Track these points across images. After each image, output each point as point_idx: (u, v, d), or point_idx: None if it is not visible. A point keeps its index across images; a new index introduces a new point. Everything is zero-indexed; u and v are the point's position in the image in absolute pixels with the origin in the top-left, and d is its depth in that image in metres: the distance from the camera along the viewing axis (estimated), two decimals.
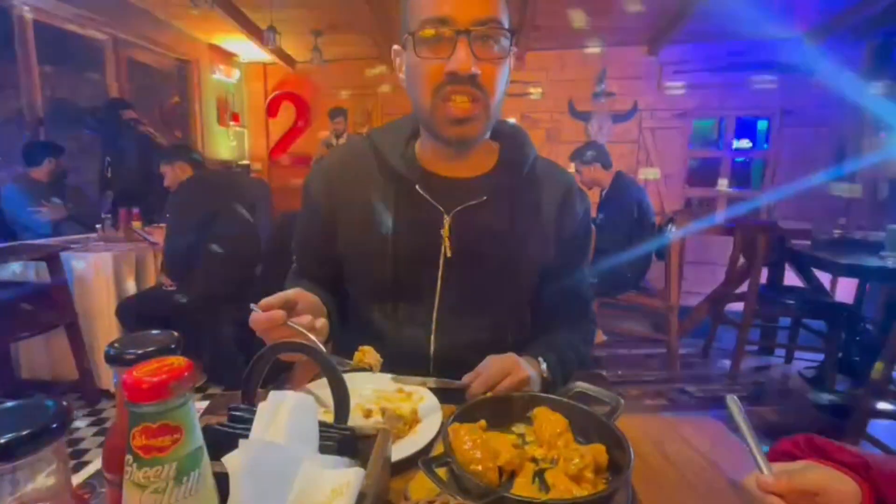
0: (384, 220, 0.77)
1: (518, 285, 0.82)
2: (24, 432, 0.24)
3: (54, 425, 0.25)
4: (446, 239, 0.76)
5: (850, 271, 2.43)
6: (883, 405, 2.15)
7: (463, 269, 0.78)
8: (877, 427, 1.98)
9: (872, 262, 2.28)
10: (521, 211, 0.79)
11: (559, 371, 0.78)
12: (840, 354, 2.62)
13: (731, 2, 3.18)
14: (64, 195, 2.85)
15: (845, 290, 3.12)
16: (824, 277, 2.90)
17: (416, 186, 0.76)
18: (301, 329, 0.59)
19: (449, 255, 0.76)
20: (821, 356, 2.74)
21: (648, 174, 4.24)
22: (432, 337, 0.80)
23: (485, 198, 0.76)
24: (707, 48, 4.03)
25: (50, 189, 2.77)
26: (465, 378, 0.71)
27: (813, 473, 0.48)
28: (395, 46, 0.75)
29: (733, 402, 0.57)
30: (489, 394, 0.67)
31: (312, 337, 0.59)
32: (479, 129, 0.71)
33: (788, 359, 3.02)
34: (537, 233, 0.81)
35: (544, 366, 0.76)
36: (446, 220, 0.76)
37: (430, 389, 0.71)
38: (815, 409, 2.41)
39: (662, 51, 4.08)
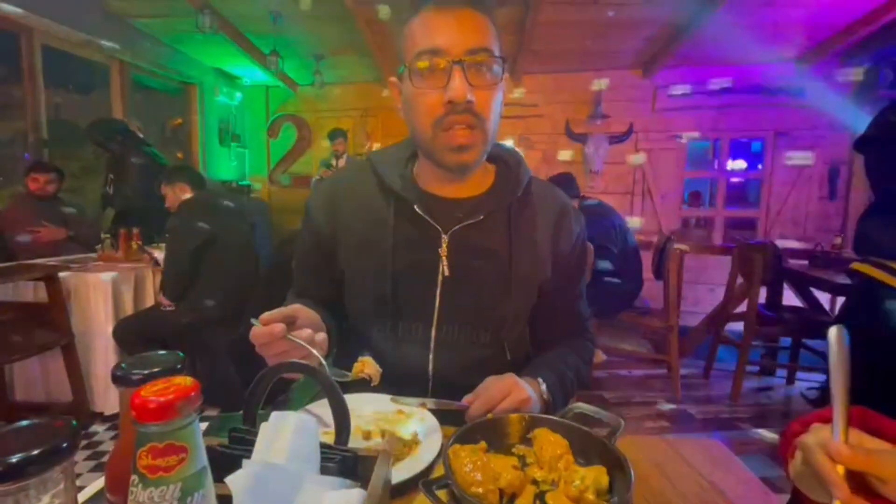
0: (384, 239, 0.79)
1: (515, 304, 0.82)
2: (35, 452, 0.25)
3: (64, 445, 0.26)
4: (444, 258, 0.78)
5: (847, 290, 2.44)
6: None
7: (461, 288, 0.79)
8: None
9: None
10: (516, 230, 0.81)
11: (559, 391, 0.78)
12: None
13: (724, 28, 3.29)
14: (64, 216, 2.86)
15: None
16: (823, 297, 2.90)
17: (415, 206, 0.77)
18: (301, 342, 0.60)
19: (447, 273, 0.78)
20: (823, 377, 2.72)
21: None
22: (431, 356, 0.80)
23: (481, 217, 0.78)
24: (701, 72, 4.13)
25: (49, 209, 2.79)
26: (465, 399, 0.70)
27: (894, 460, 0.41)
28: (392, 79, 0.78)
29: (837, 335, 0.44)
30: (489, 415, 0.67)
31: (314, 351, 0.59)
32: (477, 155, 0.74)
33: (790, 379, 3.00)
34: (533, 252, 0.82)
35: (544, 386, 0.76)
36: (444, 239, 0.78)
37: (430, 411, 0.71)
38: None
39: (657, 74, 4.19)
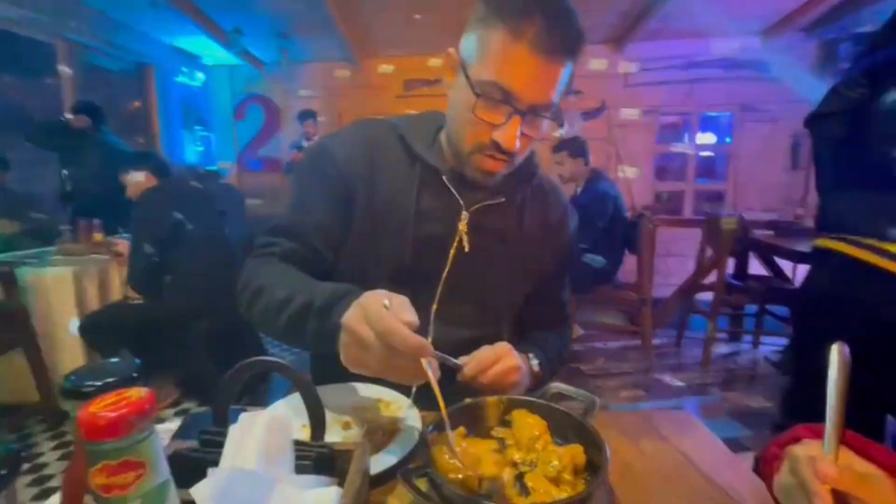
0: (407, 204, 0.78)
1: (517, 287, 0.86)
2: None
3: (3, 472, 0.24)
4: (464, 234, 0.79)
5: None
6: None
7: (472, 265, 0.80)
8: None
9: None
10: (529, 217, 0.84)
11: (547, 369, 0.82)
12: None
13: (692, 2, 3.29)
14: (16, 207, 2.71)
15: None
16: (786, 265, 3.03)
17: (444, 177, 0.77)
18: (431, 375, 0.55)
19: (467, 249, 0.79)
20: (785, 340, 2.86)
21: (629, 172, 4.34)
22: (431, 327, 0.81)
23: (503, 199, 0.80)
24: (670, 46, 4.15)
25: None
26: (461, 359, 0.72)
27: (879, 487, 0.41)
28: (451, 50, 0.73)
29: (839, 352, 0.43)
30: (468, 400, 0.67)
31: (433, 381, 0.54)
32: (499, 177, 0.75)
33: (755, 344, 3.15)
34: (541, 241, 0.86)
35: (535, 361, 0.80)
36: (465, 214, 0.79)
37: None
38: (781, 392, 2.52)
39: (627, 49, 4.18)
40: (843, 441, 0.43)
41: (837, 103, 0.97)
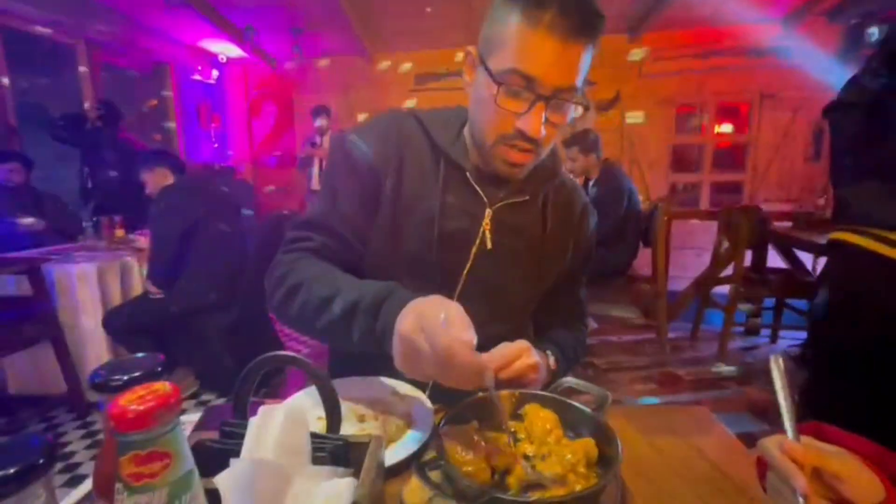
0: (432, 199, 0.77)
1: (538, 284, 0.86)
2: (11, 470, 0.24)
3: (40, 461, 0.25)
4: (487, 231, 0.78)
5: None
6: None
7: (493, 261, 0.80)
8: None
9: None
10: (552, 216, 0.84)
11: (564, 366, 0.82)
12: None
13: None
14: (41, 205, 2.79)
15: None
16: (806, 257, 2.96)
17: (468, 174, 0.77)
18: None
19: (489, 246, 0.79)
20: (805, 334, 2.81)
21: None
22: None
23: (526, 197, 0.79)
24: (687, 35, 4.06)
25: (23, 199, 2.71)
26: (482, 356, 0.72)
27: (845, 461, 0.45)
28: (470, 48, 0.72)
29: (775, 363, 0.51)
30: (480, 394, 0.68)
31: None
32: (527, 170, 0.75)
33: (773, 338, 3.09)
34: (562, 238, 0.86)
35: (552, 359, 0.80)
36: (488, 212, 0.78)
37: None
38: (799, 387, 2.47)
39: (642, 38, 4.10)
40: (812, 433, 0.48)
41: (858, 94, 0.94)
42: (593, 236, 0.92)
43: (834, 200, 1.00)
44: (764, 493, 0.55)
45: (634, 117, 4.27)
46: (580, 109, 0.71)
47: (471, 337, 0.53)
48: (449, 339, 0.51)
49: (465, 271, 0.79)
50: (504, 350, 0.71)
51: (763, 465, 0.55)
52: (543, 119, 0.66)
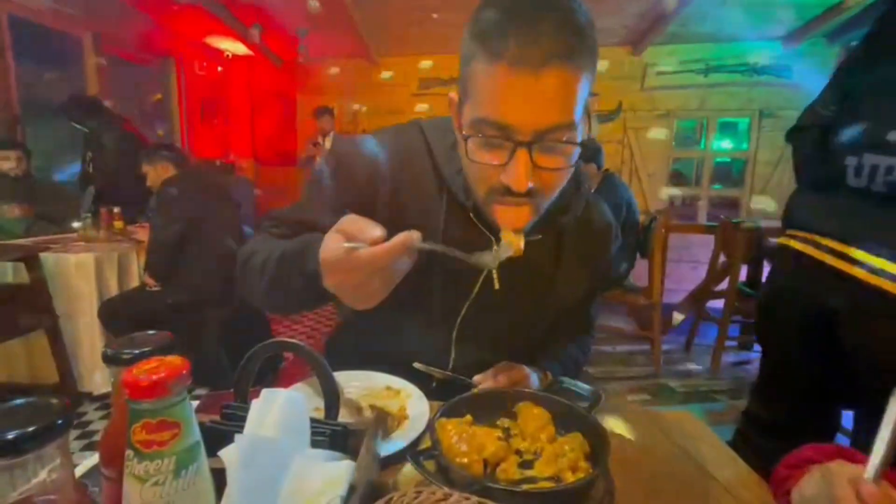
0: (433, 231, 0.71)
1: (548, 314, 0.82)
2: (31, 429, 0.25)
3: (59, 422, 0.27)
4: (495, 271, 0.73)
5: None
6: None
7: (499, 298, 0.75)
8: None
9: None
10: (569, 248, 0.78)
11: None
12: None
13: (712, 6, 3.26)
14: (39, 195, 2.79)
15: None
16: None
17: (470, 214, 0.71)
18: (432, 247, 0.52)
19: (497, 286, 0.74)
20: None
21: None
22: (452, 349, 0.79)
23: (539, 237, 0.72)
24: (689, 50, 4.12)
25: (19, 187, 2.71)
26: (476, 378, 0.73)
27: None
28: (452, 95, 0.64)
29: (894, 397, 0.45)
30: (475, 390, 0.70)
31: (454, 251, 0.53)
32: (530, 224, 0.64)
33: None
34: (576, 272, 0.80)
35: (551, 378, 0.79)
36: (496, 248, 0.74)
37: (438, 381, 0.75)
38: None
39: (645, 52, 4.16)
40: (837, 456, 0.47)
41: (812, 119, 1.05)
42: (612, 259, 0.87)
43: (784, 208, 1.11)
44: (750, 497, 0.56)
45: (635, 129, 4.31)
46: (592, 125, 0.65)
47: (378, 232, 0.50)
48: (376, 225, 0.49)
49: (465, 306, 0.75)
50: (499, 380, 0.71)
51: (780, 486, 0.55)
52: (530, 168, 0.55)
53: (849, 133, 0.90)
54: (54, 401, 0.28)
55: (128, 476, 0.29)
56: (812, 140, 1.02)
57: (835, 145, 0.93)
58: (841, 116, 0.95)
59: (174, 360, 0.31)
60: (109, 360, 0.35)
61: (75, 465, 0.48)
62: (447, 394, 0.71)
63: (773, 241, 2.96)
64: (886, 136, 0.82)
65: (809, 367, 1.00)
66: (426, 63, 4.57)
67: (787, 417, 1.07)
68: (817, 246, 0.94)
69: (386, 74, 4.67)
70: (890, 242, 0.81)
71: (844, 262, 0.87)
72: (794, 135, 1.11)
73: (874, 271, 0.82)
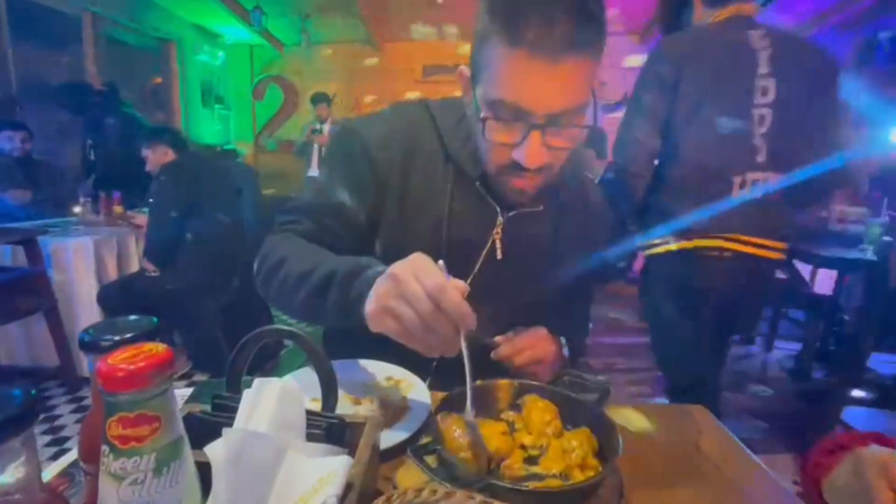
0: (439, 205, 0.74)
1: (550, 286, 0.83)
2: None
3: (22, 415, 0.24)
4: (497, 241, 0.75)
5: (830, 263, 2.48)
6: (857, 393, 2.22)
7: (503, 269, 0.77)
8: (851, 414, 2.05)
9: (852, 254, 2.33)
10: (566, 224, 0.81)
11: (572, 354, 0.82)
12: (818, 344, 2.69)
13: None
14: (37, 175, 2.76)
15: (825, 282, 3.20)
16: (805, 268, 2.95)
17: (477, 183, 0.73)
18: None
19: (500, 256, 0.76)
20: (798, 345, 2.81)
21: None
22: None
23: (541, 207, 0.75)
24: None
25: (19, 170, 2.68)
26: (497, 338, 0.73)
27: None
28: (462, 68, 0.66)
29: None
30: (478, 382, 0.67)
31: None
32: (536, 191, 0.69)
33: (768, 347, 3.09)
34: (576, 247, 0.83)
35: (565, 349, 0.79)
36: (500, 221, 0.75)
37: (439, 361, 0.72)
38: (792, 397, 2.48)
39: (653, 40, 4.08)
40: (872, 441, 0.46)
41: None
42: (607, 230, 0.91)
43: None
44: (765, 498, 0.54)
45: None
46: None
47: (464, 285, 0.51)
48: (443, 278, 0.49)
49: (470, 277, 0.76)
50: (520, 338, 0.72)
51: (813, 474, 0.54)
52: (542, 146, 0.59)
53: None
54: (17, 391, 0.25)
55: (103, 474, 0.27)
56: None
57: None
58: None
59: (155, 347, 0.28)
60: (87, 346, 0.32)
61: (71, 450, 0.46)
62: (449, 378, 0.69)
63: None
64: None
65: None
66: (429, 49, 4.49)
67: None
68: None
69: (390, 55, 4.60)
70: None
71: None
72: None
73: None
